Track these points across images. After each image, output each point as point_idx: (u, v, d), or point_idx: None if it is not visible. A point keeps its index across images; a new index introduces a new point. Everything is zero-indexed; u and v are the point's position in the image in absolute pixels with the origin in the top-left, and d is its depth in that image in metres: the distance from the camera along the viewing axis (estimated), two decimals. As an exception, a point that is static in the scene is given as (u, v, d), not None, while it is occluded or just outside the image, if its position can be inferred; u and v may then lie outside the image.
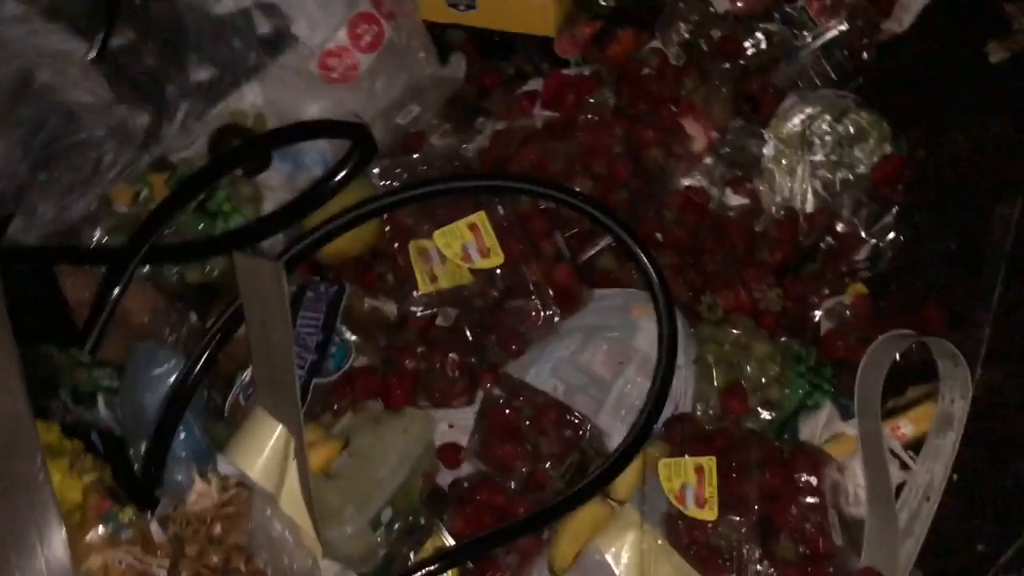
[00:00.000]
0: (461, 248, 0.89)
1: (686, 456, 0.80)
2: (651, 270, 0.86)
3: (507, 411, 0.84)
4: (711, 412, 0.86)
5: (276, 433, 0.76)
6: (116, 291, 0.84)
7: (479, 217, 0.90)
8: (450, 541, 0.81)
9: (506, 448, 0.82)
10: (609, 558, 0.77)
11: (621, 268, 0.91)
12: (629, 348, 0.86)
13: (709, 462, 0.80)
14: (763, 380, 0.86)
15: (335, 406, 0.86)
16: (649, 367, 0.84)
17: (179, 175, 0.93)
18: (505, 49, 1.09)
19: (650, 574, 0.76)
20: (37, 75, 0.79)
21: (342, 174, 0.89)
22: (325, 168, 0.96)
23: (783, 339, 0.89)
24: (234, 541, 0.73)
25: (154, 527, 0.73)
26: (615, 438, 0.83)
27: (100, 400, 0.80)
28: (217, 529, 0.73)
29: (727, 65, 0.98)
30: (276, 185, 0.97)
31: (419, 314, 0.91)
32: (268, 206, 0.96)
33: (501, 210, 0.90)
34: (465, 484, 0.83)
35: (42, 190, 0.86)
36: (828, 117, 0.94)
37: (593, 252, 0.92)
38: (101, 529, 0.72)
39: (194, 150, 0.96)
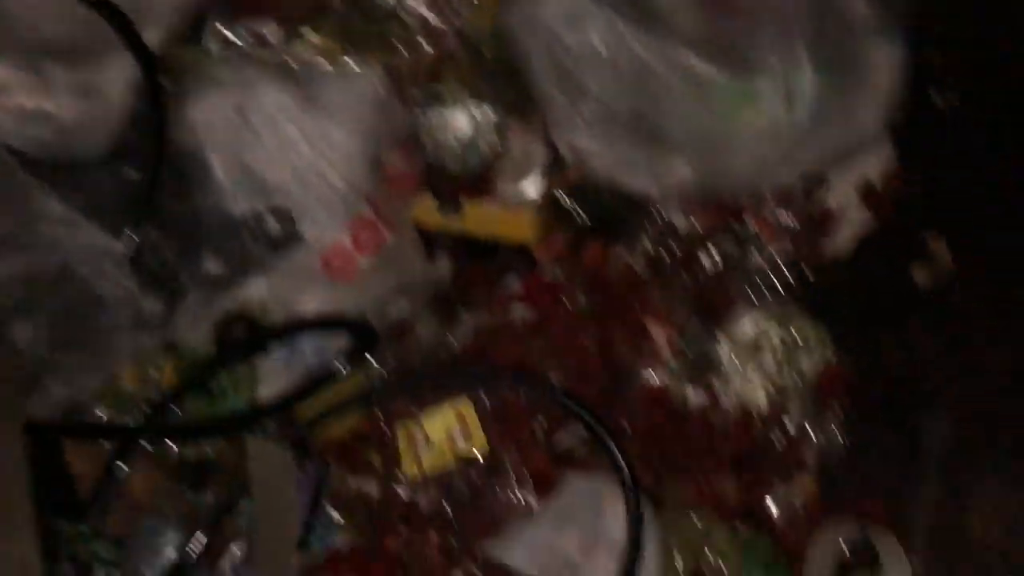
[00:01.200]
0: (447, 433, 0.97)
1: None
2: (622, 463, 0.94)
3: (486, 592, 0.89)
4: (675, 598, 0.92)
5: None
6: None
7: (465, 406, 0.98)
8: None
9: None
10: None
11: (592, 455, 0.99)
12: (599, 533, 0.93)
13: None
14: (724, 569, 0.93)
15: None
16: (617, 551, 0.91)
17: (186, 359, 1.01)
18: (488, 253, 1.19)
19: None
20: (76, 269, 0.87)
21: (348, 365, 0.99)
22: (319, 355, 1.04)
23: (741, 529, 0.97)
24: None
25: None
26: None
27: (99, 573, 0.84)
28: None
29: (685, 275, 1.10)
30: (273, 369, 1.05)
31: (402, 495, 0.97)
32: (264, 389, 1.03)
33: (486, 399, 0.99)
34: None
35: (57, 370, 0.93)
36: (776, 325, 1.06)
37: (568, 441, 1.00)
38: None
39: (201, 335, 1.04)
